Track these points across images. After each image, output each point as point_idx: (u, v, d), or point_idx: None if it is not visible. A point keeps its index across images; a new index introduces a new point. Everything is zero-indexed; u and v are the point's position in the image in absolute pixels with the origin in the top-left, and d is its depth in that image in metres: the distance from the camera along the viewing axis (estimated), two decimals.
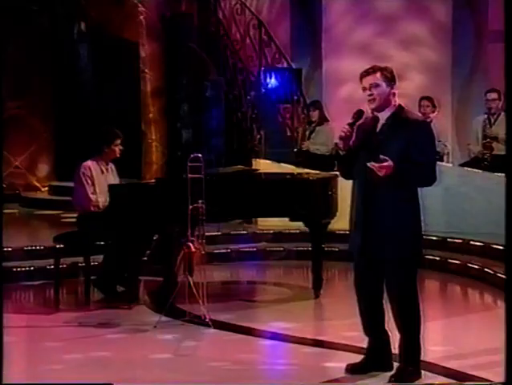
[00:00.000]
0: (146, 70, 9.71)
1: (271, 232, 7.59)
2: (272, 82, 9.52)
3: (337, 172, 5.47)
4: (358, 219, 3.67)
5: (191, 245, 5.08)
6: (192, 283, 5.06)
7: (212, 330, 4.85)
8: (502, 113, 7.61)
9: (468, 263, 6.48)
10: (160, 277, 5.73)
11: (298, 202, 5.46)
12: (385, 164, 3.48)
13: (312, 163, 7.79)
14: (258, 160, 8.04)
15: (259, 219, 7.39)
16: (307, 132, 8.34)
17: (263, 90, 9.47)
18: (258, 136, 8.67)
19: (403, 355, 3.75)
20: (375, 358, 3.87)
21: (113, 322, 5.13)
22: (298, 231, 7.14)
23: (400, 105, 3.67)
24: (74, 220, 6.08)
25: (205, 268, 5.23)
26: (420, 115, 7.11)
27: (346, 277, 6.33)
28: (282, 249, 7.35)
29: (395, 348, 3.88)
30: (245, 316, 5.29)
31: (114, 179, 5.93)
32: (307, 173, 6.58)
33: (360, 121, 3.68)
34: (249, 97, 9.06)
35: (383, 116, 3.67)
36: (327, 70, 10.17)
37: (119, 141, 5.88)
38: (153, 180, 5.85)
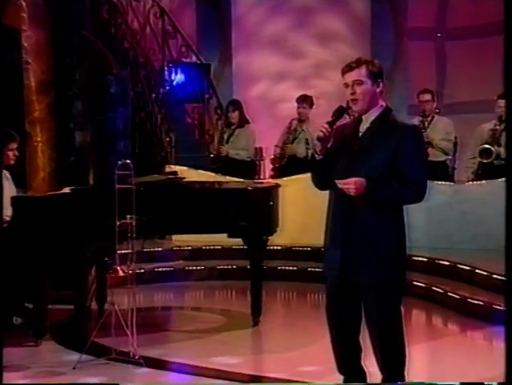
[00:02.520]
0: (30, 62, 8.96)
1: (189, 248, 7.33)
2: (178, 78, 9.20)
3: (277, 182, 5.66)
4: (335, 236, 3.41)
5: (119, 268, 4.61)
6: (117, 312, 4.58)
7: (144, 370, 4.40)
8: (436, 116, 7.58)
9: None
10: (68, 305, 5.29)
11: (238, 215, 5.21)
12: (351, 180, 3.23)
13: (233, 169, 7.59)
14: (171, 166, 7.66)
15: None
16: (225, 135, 8.05)
17: (168, 87, 9.06)
18: (168, 139, 8.24)
19: None
20: None
21: (19, 365, 4.54)
22: (219, 247, 7.18)
23: (387, 106, 3.42)
24: None
25: (133, 292, 4.76)
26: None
27: (286, 299, 6.26)
28: (202, 267, 7.13)
29: None
30: (178, 350, 4.96)
31: (11, 190, 5.34)
32: (240, 182, 6.46)
33: (341, 121, 3.43)
34: (154, 95, 8.61)
35: (367, 118, 3.41)
36: (237, 66, 10.03)
37: (14, 145, 5.30)
38: (67, 191, 5.29)
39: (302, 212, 6.88)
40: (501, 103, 7.23)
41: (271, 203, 5.39)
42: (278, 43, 9.69)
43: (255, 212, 5.28)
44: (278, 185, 5.52)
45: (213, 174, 7.47)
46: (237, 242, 5.93)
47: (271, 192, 5.45)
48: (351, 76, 3.36)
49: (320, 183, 3.48)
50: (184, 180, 5.89)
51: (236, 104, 8.06)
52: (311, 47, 9.80)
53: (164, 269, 7.05)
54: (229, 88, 9.80)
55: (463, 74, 9.36)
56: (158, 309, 6.41)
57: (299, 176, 7.07)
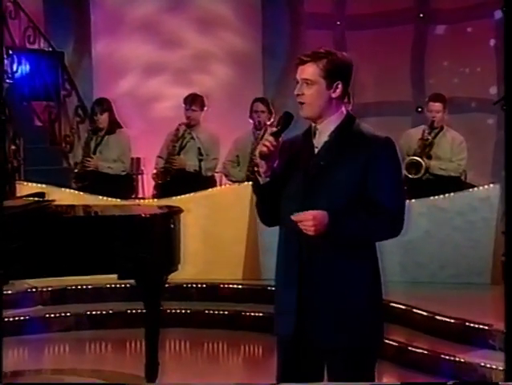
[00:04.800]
0: None
1: (49, 289, 6.84)
2: (23, 69, 8.77)
3: (178, 206, 5.24)
4: (289, 285, 3.19)
5: None
6: None
7: None
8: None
9: None
10: None
11: (130, 250, 4.81)
12: (308, 215, 3.01)
13: (104, 187, 7.24)
14: (22, 182, 7.21)
15: None
16: (92, 144, 7.62)
17: (8, 80, 8.51)
18: (13, 148, 7.69)
19: None
20: None
21: None
22: (89, 286, 6.84)
23: (349, 114, 3.21)
24: None
25: None
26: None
27: (184, 352, 6.10)
28: (68, 314, 6.72)
29: None
30: None
31: None
32: (125, 205, 6.16)
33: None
34: None
35: (324, 130, 3.19)
36: (98, 57, 9.77)
37: None
38: None
39: (194, 239, 6.58)
40: (435, 106, 7.26)
41: (173, 233, 5.07)
42: (149, 28, 9.63)
43: (154, 246, 4.93)
44: (179, 210, 5.15)
45: (79, 193, 7.14)
46: (111, 280, 5.80)
47: (173, 220, 5.11)
48: (302, 73, 3.14)
49: (266, 215, 3.28)
50: (59, 205, 5.40)
51: (104, 104, 7.59)
52: (191, 34, 9.77)
53: (16, 317, 6.54)
54: (87, 84, 9.49)
55: (366, 70, 9.39)
56: (6, 375, 5.80)
57: (191, 194, 6.97)
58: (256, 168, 3.19)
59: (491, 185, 6.88)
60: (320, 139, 3.18)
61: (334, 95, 3.13)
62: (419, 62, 9.97)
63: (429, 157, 7.16)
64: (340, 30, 10.25)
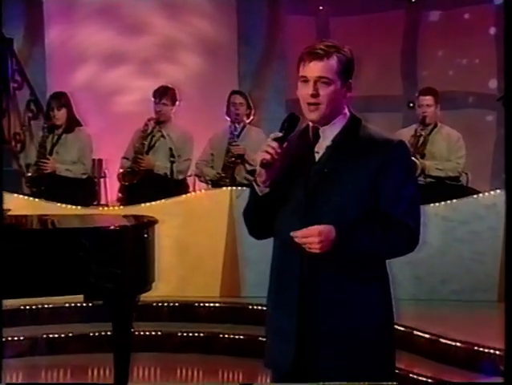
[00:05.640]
0: None
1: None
2: None
3: (153, 217, 5.19)
4: (287, 312, 3.13)
5: None
6: None
7: None
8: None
9: None
10: None
11: (99, 267, 4.71)
12: (314, 230, 2.92)
13: (62, 192, 7.16)
14: None
15: None
16: (48, 144, 7.48)
17: None
18: None
19: None
20: None
21: None
22: (46, 306, 6.71)
23: (353, 115, 3.17)
24: None
25: None
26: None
27: (155, 379, 6.16)
28: (22, 337, 6.56)
29: None
30: None
31: None
32: (91, 215, 6.05)
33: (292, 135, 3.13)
34: None
35: (327, 133, 3.13)
36: (52, 45, 9.75)
37: None
38: None
39: (165, 251, 6.47)
40: (426, 100, 7.22)
41: (146, 247, 5.00)
42: (109, 13, 9.55)
43: (124, 263, 4.83)
44: (153, 221, 5.08)
45: (34, 200, 7.03)
46: (72, 298, 5.84)
47: (146, 232, 5.05)
48: (316, 69, 3.06)
49: (259, 229, 3.23)
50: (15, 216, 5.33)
51: (62, 99, 7.44)
52: (157, 19, 9.69)
53: None
54: (40, 75, 9.50)
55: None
56: None
57: (162, 201, 6.86)
58: (255, 178, 3.10)
59: (497, 191, 6.73)
60: (322, 144, 3.12)
61: (347, 95, 3.10)
62: (411, 53, 10.01)
63: (423, 156, 7.11)
64: (324, 15, 10.20)
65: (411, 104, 8.43)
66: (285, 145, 3.03)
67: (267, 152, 2.99)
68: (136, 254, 4.92)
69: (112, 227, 5.00)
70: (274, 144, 3.00)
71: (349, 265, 3.03)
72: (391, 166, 3.03)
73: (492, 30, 9.26)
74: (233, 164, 7.27)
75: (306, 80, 3.04)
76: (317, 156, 3.10)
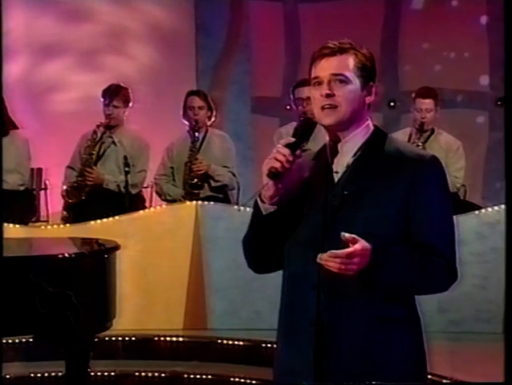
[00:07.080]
0: None
1: None
2: None
3: (114, 241, 5.18)
4: (301, 353, 3.09)
5: None
6: None
7: None
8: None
9: None
10: None
11: (48, 304, 4.57)
12: (352, 250, 2.82)
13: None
14: None
15: None
16: None
17: None
18: None
19: None
20: None
21: None
22: None
23: (377, 128, 3.12)
24: None
25: None
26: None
27: None
28: None
29: None
30: None
31: None
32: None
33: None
34: None
35: (348, 146, 3.06)
36: None
37: None
38: None
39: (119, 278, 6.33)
40: (425, 103, 7.17)
41: (106, 278, 4.97)
42: None
43: (80, 297, 4.70)
44: (115, 247, 5.03)
45: None
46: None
47: (107, 260, 5.02)
48: (329, 66, 3.01)
49: (262, 259, 3.16)
50: None
51: None
52: (101, 5, 9.76)
53: None
54: None
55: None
56: None
57: (115, 218, 6.81)
58: (259, 192, 3.01)
59: (502, 206, 6.72)
60: (341, 161, 3.05)
61: (368, 100, 3.04)
62: (391, 44, 10.07)
63: None
64: (292, 1, 10.30)
65: (391, 103, 8.37)
66: (298, 153, 2.96)
67: (276, 160, 2.90)
68: (94, 287, 4.88)
69: (66, 255, 4.85)
70: (285, 151, 2.92)
71: (374, 301, 2.96)
72: (423, 186, 2.99)
73: (483, 19, 9.35)
74: (197, 188, 7.12)
75: (319, 82, 2.98)
76: (336, 177, 3.03)
